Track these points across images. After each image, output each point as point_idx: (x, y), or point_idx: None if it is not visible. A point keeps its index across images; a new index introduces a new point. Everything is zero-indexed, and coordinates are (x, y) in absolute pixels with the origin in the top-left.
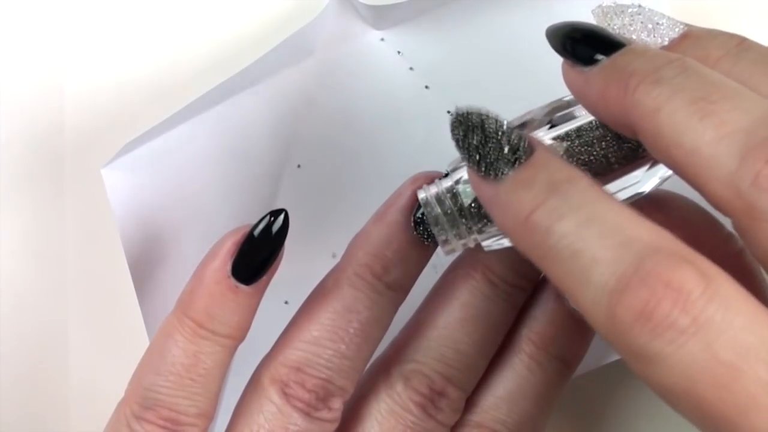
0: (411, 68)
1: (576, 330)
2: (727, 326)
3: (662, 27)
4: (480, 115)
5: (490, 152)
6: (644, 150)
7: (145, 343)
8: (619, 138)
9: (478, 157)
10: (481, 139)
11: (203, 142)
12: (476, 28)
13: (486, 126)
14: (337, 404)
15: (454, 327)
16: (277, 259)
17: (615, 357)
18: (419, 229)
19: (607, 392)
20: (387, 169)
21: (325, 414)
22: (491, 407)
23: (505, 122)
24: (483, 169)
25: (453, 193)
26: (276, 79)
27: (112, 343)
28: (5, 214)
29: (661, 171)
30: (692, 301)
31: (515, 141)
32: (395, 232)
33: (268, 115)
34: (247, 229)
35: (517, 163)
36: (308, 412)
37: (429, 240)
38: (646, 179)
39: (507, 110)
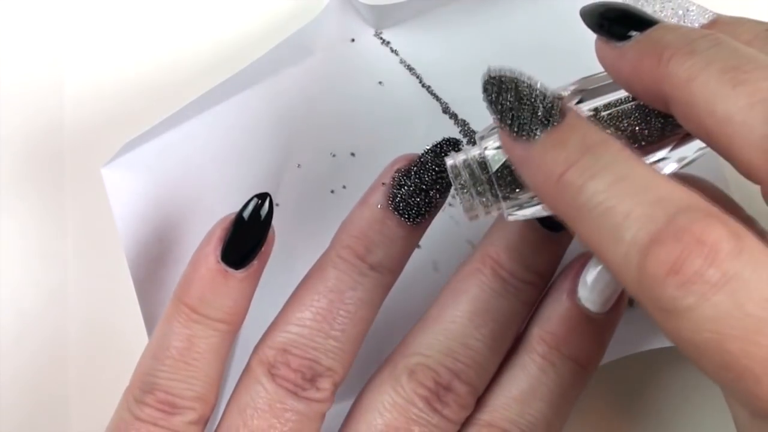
0: (410, 68)
1: (590, 330)
2: (755, 282)
3: (692, 13)
4: (513, 76)
5: (524, 113)
6: (670, 129)
7: (145, 342)
8: (646, 115)
9: (511, 117)
10: (514, 100)
11: (203, 142)
12: (476, 28)
13: (520, 87)
14: (326, 384)
15: (462, 321)
16: (265, 243)
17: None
18: (399, 207)
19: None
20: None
21: (313, 393)
22: (502, 407)
23: (539, 84)
24: (516, 129)
25: (481, 159)
26: (276, 79)
27: (112, 343)
28: (5, 214)
29: (685, 152)
30: (722, 257)
31: (549, 103)
32: (376, 212)
33: (268, 115)
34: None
35: (550, 124)
36: (295, 391)
37: (410, 220)
38: (667, 161)
39: None
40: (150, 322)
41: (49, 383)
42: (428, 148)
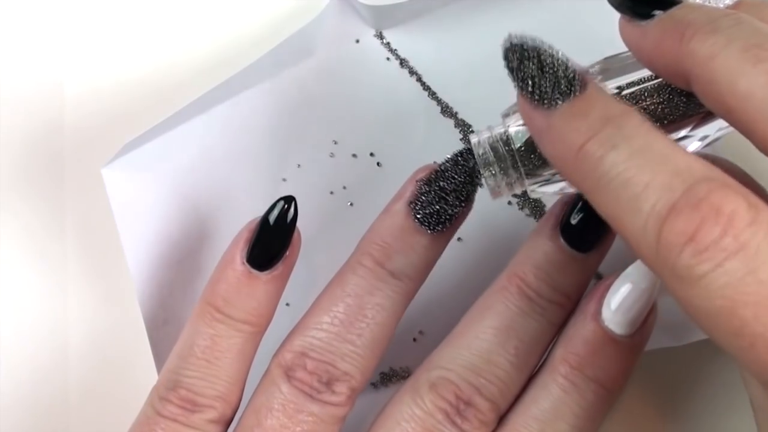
0: (410, 68)
1: (614, 352)
2: None
3: None
4: (535, 44)
5: (546, 81)
6: (692, 107)
7: (145, 343)
8: (668, 93)
9: (532, 85)
10: (537, 68)
11: (203, 142)
12: (476, 28)
13: (542, 55)
14: (342, 388)
15: (485, 337)
16: (290, 247)
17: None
18: (419, 215)
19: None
20: (387, 169)
21: (328, 397)
22: (522, 426)
23: (560, 53)
24: (537, 98)
25: (505, 136)
26: (276, 79)
27: (112, 343)
28: (6, 214)
29: (707, 130)
30: (739, 226)
31: (571, 72)
32: (397, 220)
33: (268, 116)
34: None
35: (572, 94)
36: (311, 394)
37: (430, 228)
38: (689, 140)
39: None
40: (150, 321)
41: (49, 383)
42: (448, 157)
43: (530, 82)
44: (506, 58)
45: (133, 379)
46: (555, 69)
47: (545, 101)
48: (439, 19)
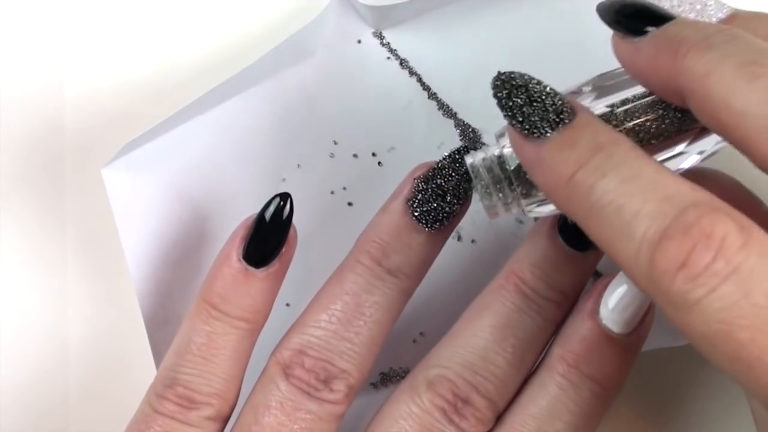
0: (411, 69)
1: (611, 351)
2: (762, 272)
3: (710, 8)
4: (523, 77)
5: (534, 112)
6: (688, 123)
7: (144, 343)
8: (663, 109)
9: (521, 117)
10: (525, 100)
11: (203, 143)
12: (476, 28)
13: (530, 87)
14: (340, 386)
15: (483, 335)
16: (286, 243)
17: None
18: (416, 213)
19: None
20: (386, 169)
21: (326, 395)
22: (519, 423)
23: (549, 85)
24: (526, 128)
25: (500, 158)
26: (276, 80)
27: (112, 343)
28: (5, 214)
29: (703, 145)
30: (730, 249)
31: (559, 103)
32: (395, 218)
33: (268, 116)
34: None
35: (561, 124)
36: (308, 392)
37: (428, 226)
38: (686, 155)
39: None
40: (150, 321)
41: (49, 383)
42: (446, 154)
43: (519, 114)
44: (495, 90)
45: (133, 379)
46: (543, 99)
47: (534, 132)
48: (439, 19)
